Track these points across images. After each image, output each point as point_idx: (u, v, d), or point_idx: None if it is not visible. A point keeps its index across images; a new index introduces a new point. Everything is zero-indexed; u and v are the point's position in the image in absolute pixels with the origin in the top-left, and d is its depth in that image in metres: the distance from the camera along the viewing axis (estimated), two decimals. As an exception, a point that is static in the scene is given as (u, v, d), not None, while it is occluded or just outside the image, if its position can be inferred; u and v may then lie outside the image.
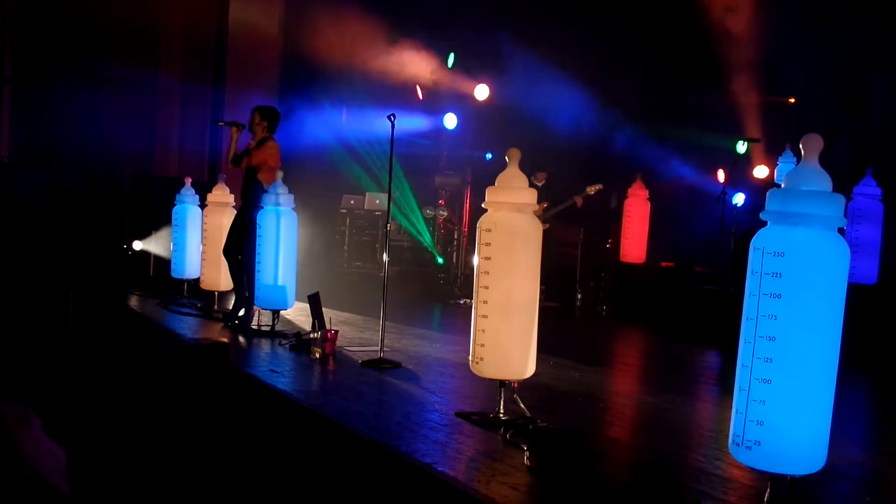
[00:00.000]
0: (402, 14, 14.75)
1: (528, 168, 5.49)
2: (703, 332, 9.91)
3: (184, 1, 15.45)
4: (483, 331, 5.32)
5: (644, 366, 9.20)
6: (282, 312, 8.65)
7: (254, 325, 8.72)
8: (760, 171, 12.48)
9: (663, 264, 13.65)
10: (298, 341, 7.79)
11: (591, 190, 12.00)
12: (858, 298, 8.66)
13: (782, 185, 3.78)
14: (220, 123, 10.00)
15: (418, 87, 14.95)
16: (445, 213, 14.12)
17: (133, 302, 10.42)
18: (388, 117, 7.40)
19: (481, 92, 14.24)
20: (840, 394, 3.82)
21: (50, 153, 13.79)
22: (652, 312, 11.62)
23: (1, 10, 14.20)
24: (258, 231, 8.33)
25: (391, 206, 8.07)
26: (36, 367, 5.68)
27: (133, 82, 14.32)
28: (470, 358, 5.45)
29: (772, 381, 3.67)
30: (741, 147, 12.45)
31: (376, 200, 14.82)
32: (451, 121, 14.32)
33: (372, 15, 14.43)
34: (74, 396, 5.83)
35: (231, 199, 9.96)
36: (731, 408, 3.89)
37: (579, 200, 11.94)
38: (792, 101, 14.08)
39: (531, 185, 5.53)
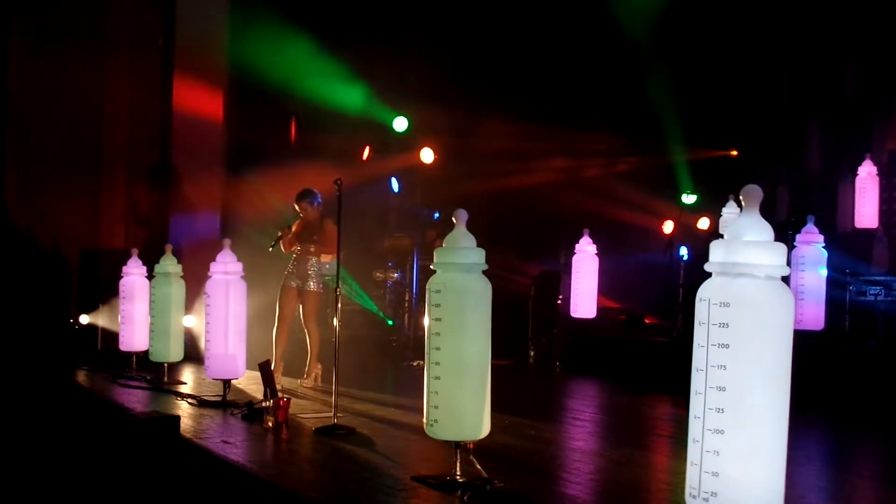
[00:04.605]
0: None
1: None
2: (656, 384, 9.94)
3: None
4: (436, 392, 5.28)
5: (599, 420, 9.19)
6: (232, 382, 8.53)
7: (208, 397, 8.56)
8: (703, 223, 12.70)
9: (613, 318, 13.73)
10: (250, 410, 7.67)
11: None
12: (807, 345, 8.79)
13: (725, 237, 3.83)
14: (272, 246, 9.74)
15: (367, 148, 14.97)
16: (396, 276, 14.09)
17: (81, 377, 10.21)
18: (335, 182, 7.41)
19: (427, 155, 14.31)
20: (793, 441, 3.84)
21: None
22: (605, 366, 11.64)
23: None
24: (206, 300, 8.25)
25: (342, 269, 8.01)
26: None
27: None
28: (424, 420, 5.41)
29: (724, 432, 3.68)
30: (686, 199, 12.68)
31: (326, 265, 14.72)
32: (395, 184, 14.41)
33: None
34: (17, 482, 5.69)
35: (179, 269, 9.87)
36: (686, 460, 3.89)
37: None
38: (734, 153, 14.41)
39: None
